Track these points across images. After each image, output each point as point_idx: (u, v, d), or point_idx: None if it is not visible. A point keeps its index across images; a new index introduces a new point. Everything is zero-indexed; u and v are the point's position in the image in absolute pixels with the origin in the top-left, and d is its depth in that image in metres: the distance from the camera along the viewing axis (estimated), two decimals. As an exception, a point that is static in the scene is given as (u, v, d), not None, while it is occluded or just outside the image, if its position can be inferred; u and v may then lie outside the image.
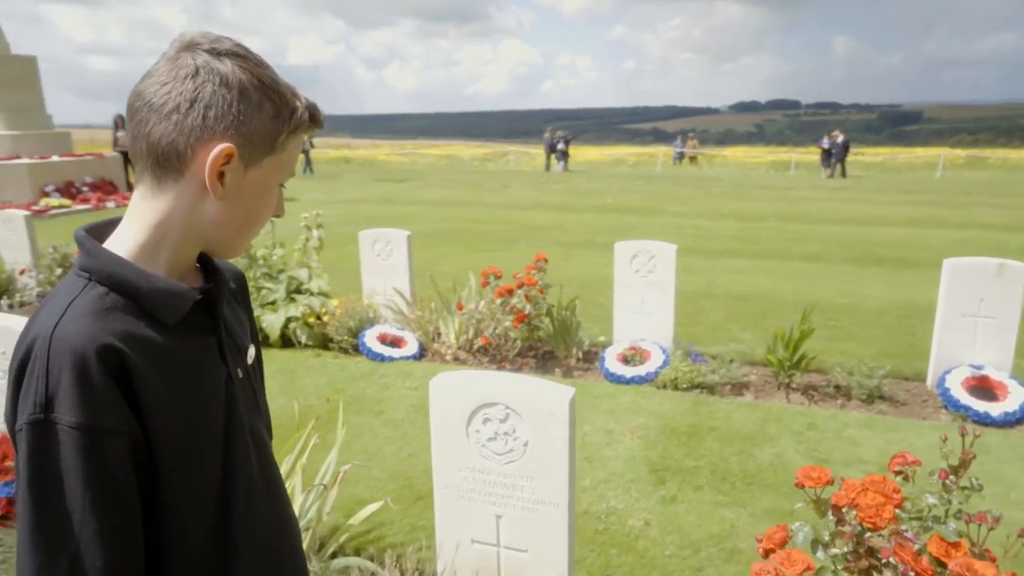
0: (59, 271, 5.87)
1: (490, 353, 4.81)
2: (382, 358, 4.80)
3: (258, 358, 1.06)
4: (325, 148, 32.74)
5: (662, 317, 4.67)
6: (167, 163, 0.83)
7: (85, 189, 12.99)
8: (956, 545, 1.58)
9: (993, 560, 1.53)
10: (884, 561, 1.43)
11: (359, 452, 3.38)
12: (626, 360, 4.56)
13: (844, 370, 4.25)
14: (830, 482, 1.72)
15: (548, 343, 4.94)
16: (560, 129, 27.29)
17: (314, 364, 4.69)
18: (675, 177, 22.21)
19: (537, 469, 1.93)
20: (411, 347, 4.93)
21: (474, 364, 4.77)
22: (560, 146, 25.65)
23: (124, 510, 0.77)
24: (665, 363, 4.42)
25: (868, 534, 1.55)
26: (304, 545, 1.90)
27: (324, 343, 4.97)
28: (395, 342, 4.98)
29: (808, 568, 1.52)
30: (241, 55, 0.85)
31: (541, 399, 1.88)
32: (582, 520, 2.81)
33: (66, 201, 12.21)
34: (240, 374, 0.94)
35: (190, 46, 0.83)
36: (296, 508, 2.17)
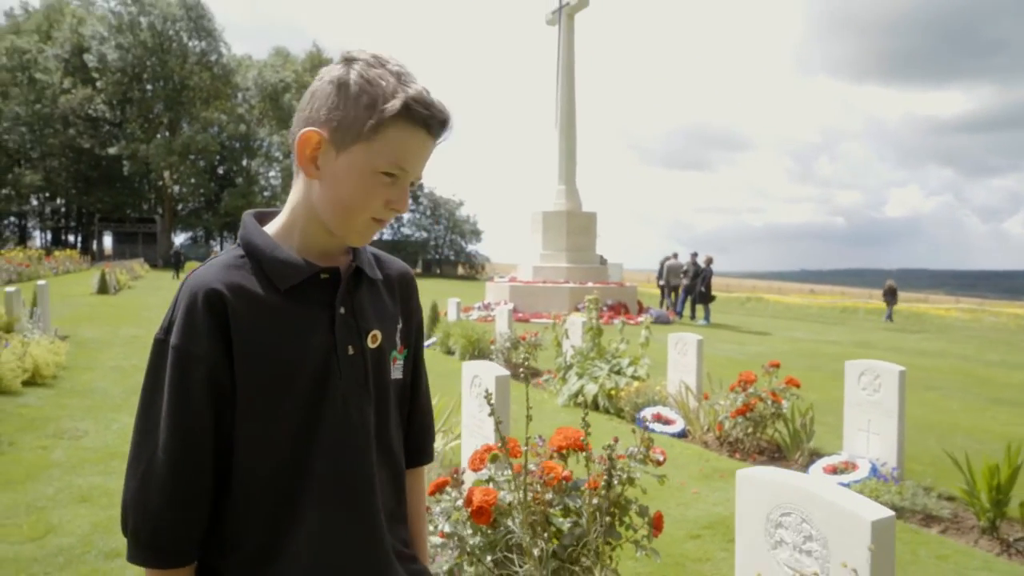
0: (508, 344, 8.90)
1: (729, 445, 5.52)
2: (650, 430, 6.02)
3: (416, 356, 1.18)
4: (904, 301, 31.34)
5: (886, 438, 4.65)
6: (295, 152, 0.98)
7: (604, 308, 16.95)
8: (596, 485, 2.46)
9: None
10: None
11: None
12: (835, 471, 4.72)
13: (1066, 531, 3.60)
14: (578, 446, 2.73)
15: (781, 447, 5.34)
16: None
17: (595, 421, 6.25)
18: None
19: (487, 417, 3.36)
20: (677, 426, 6.01)
21: (715, 449, 5.56)
22: None
23: (194, 420, 0.94)
24: (863, 479, 4.46)
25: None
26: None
27: (618, 411, 6.47)
28: (667, 421, 6.13)
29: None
30: (365, 60, 0.96)
31: (490, 375, 3.35)
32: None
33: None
34: (351, 351, 1.01)
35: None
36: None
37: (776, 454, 5.35)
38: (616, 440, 2.60)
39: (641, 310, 18.17)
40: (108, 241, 52.02)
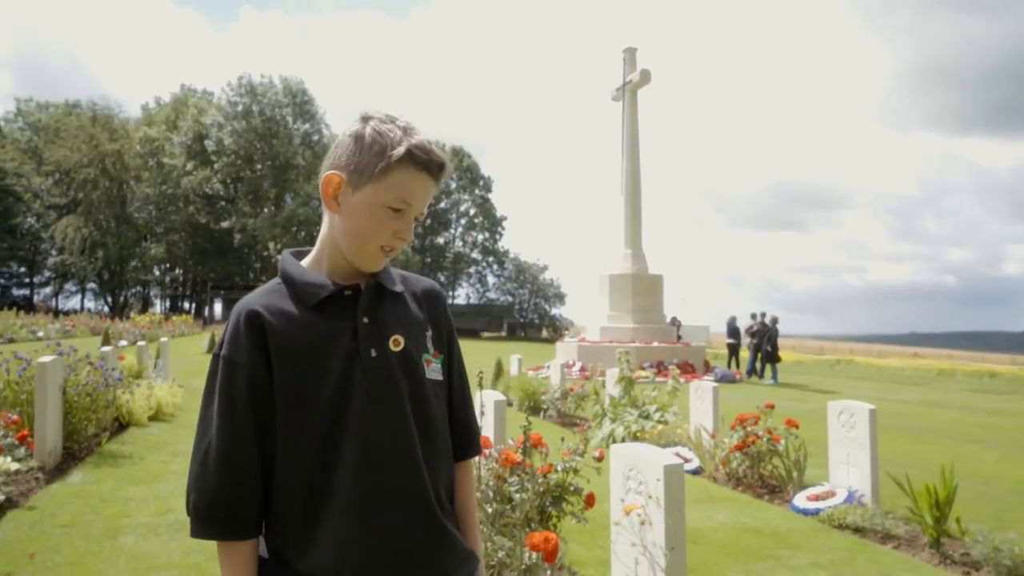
0: (558, 395, 9.77)
1: (733, 479, 6.18)
2: (667, 467, 6.75)
3: (450, 360, 1.30)
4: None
5: (862, 469, 5.24)
6: (320, 191, 1.19)
7: (670, 367, 17.47)
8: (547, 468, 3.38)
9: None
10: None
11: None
12: (817, 498, 5.33)
13: (993, 544, 4.12)
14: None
15: (778, 480, 5.94)
16: None
17: (619, 458, 7.02)
18: None
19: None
20: (692, 464, 6.70)
21: (722, 483, 6.22)
22: None
23: (239, 419, 1.11)
24: (837, 505, 5.06)
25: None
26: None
27: (642, 451, 7.21)
28: (684, 459, 6.82)
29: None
30: (378, 117, 1.16)
31: (490, 401, 4.32)
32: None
33: (650, 373, 16.84)
34: (373, 354, 1.15)
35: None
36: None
37: (777, 487, 5.96)
38: (563, 440, 3.53)
39: (708, 369, 18.53)
40: (218, 307, 56.52)
